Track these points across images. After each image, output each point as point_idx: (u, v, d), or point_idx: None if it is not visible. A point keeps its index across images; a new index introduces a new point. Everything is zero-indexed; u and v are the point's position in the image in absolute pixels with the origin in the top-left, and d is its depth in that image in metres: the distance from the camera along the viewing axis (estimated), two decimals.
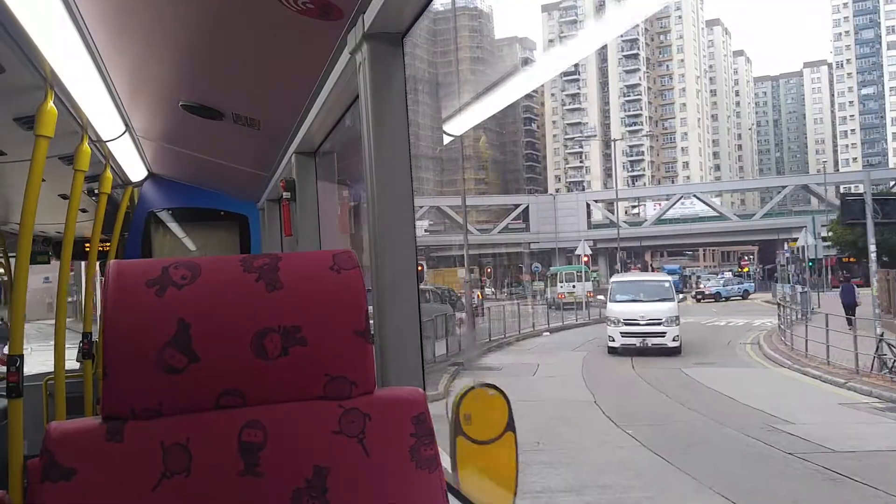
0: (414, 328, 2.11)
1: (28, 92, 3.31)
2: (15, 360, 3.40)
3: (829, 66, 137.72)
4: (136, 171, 5.75)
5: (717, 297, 55.91)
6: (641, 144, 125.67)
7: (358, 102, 2.39)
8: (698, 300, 55.81)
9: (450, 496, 1.37)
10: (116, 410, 1.21)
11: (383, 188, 2.17)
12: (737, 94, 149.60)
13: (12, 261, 7.99)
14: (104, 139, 4.36)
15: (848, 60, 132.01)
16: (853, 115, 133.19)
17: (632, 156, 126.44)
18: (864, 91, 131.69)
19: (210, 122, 3.87)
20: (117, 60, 3.24)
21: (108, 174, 5.08)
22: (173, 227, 6.85)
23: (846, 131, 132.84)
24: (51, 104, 3.30)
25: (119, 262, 1.26)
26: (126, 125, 4.31)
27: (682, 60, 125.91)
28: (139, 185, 6.30)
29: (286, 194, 4.28)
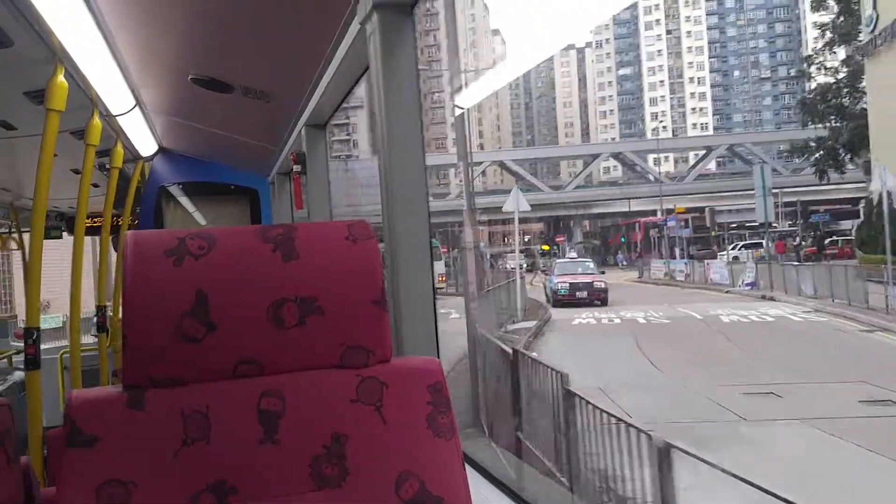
0: (428, 298, 2.12)
1: (37, 66, 3.31)
2: (32, 333, 3.44)
3: (580, 50, 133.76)
4: (146, 145, 5.75)
5: None
6: None
7: (368, 73, 2.38)
8: None
9: (466, 465, 1.38)
10: (137, 379, 1.23)
11: (396, 159, 2.17)
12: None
13: (26, 236, 8.04)
14: (114, 113, 4.36)
15: (607, 40, 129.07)
16: (612, 96, 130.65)
17: None
18: (622, 72, 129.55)
19: (220, 95, 3.86)
20: (126, 34, 3.23)
21: (119, 149, 5.09)
22: (184, 201, 6.87)
23: (605, 111, 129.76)
24: (60, 78, 3.30)
25: (136, 232, 1.27)
26: (136, 99, 4.31)
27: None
28: (150, 159, 6.31)
29: (297, 167, 4.28)
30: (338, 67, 2.82)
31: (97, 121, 4.15)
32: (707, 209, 55.65)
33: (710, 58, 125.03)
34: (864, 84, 44.70)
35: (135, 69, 3.83)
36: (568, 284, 28.59)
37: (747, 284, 30.92)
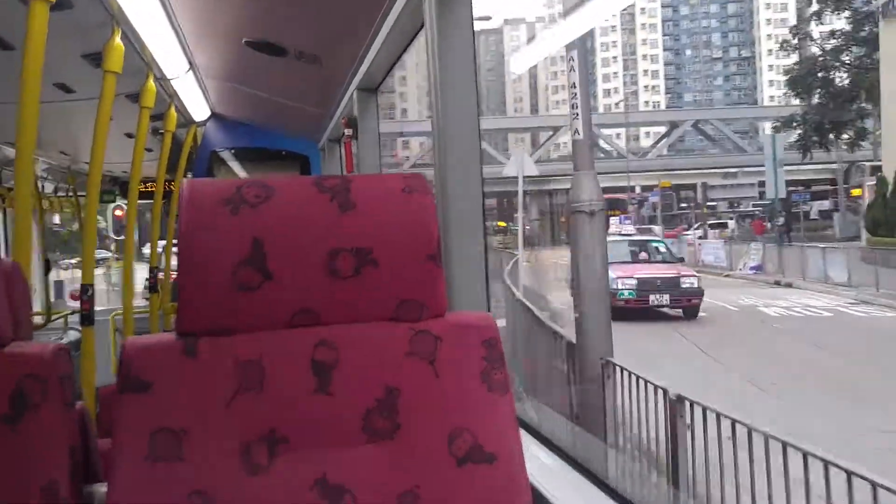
0: (479, 256, 2.10)
1: (95, 29, 3.35)
2: (87, 290, 3.52)
3: (530, 24, 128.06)
4: (199, 110, 5.81)
5: None
6: None
7: (422, 33, 2.35)
8: None
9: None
10: (191, 327, 1.23)
11: (450, 119, 2.14)
12: None
13: (81, 200, 8.22)
14: (168, 77, 4.40)
15: (560, 13, 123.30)
16: (563, 71, 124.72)
17: None
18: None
19: (273, 59, 3.87)
20: None
21: (173, 112, 5.15)
22: (235, 166, 6.94)
23: (556, 86, 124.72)
24: (118, 40, 3.34)
25: (193, 181, 1.27)
26: (190, 63, 4.34)
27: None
28: (202, 124, 6.37)
29: (348, 132, 4.28)
30: (392, 28, 2.80)
31: (152, 84, 4.19)
32: (700, 184, 53.29)
33: (663, 35, 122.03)
34: (846, 58, 42.68)
35: (189, 33, 3.85)
36: (636, 282, 18.35)
37: (752, 268, 27.55)
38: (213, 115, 6.31)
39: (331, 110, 4.96)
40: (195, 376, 1.22)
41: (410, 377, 1.26)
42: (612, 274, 19.11)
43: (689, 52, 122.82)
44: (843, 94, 42.59)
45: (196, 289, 1.22)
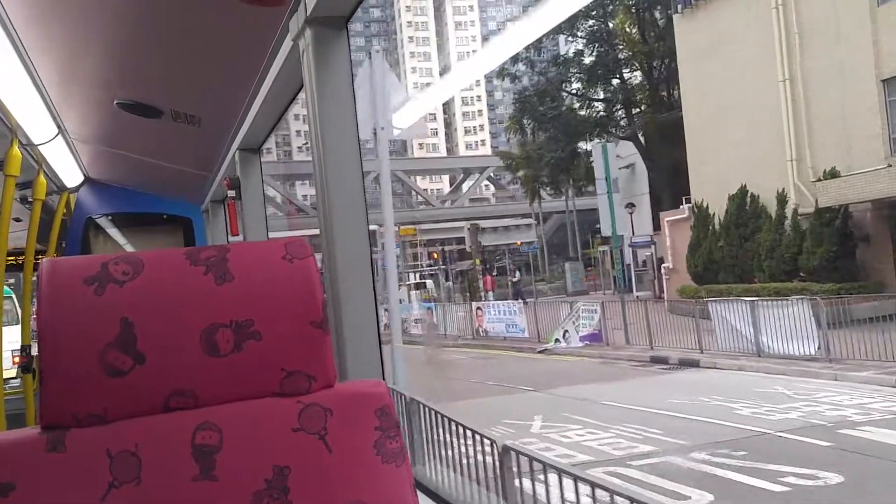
0: (371, 319, 2.04)
1: None
2: None
3: None
4: (71, 175, 5.55)
5: None
6: None
7: (302, 92, 2.32)
8: None
9: (417, 490, 1.31)
10: (57, 419, 1.13)
11: (333, 177, 2.10)
12: None
13: None
14: (35, 143, 4.19)
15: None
16: None
17: None
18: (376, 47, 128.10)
19: (148, 120, 3.74)
20: (46, 59, 3.10)
21: (42, 179, 4.90)
22: (114, 233, 6.65)
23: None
24: None
25: (53, 259, 1.17)
26: (59, 127, 4.14)
27: None
28: (75, 190, 6.09)
29: (231, 193, 4.17)
30: (271, 87, 2.75)
31: (17, 150, 3.97)
32: (469, 226, 43.93)
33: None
34: (568, 86, 39.55)
35: (56, 96, 3.68)
36: None
37: (585, 338, 19.70)
38: (88, 180, 6.04)
39: (213, 171, 4.83)
40: (63, 474, 1.11)
41: (300, 454, 1.19)
42: None
43: None
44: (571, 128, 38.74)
45: (60, 377, 1.12)
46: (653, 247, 33.51)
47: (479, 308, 24.18)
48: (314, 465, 1.19)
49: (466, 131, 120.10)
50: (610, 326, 19.68)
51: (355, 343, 2.02)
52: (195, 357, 1.15)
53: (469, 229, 40.54)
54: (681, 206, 29.79)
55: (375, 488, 1.21)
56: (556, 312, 21.47)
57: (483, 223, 42.11)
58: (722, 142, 26.13)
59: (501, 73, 43.71)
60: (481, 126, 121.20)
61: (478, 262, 40.74)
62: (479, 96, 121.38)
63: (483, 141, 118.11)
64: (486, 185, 75.81)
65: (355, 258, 2.07)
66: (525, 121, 41.28)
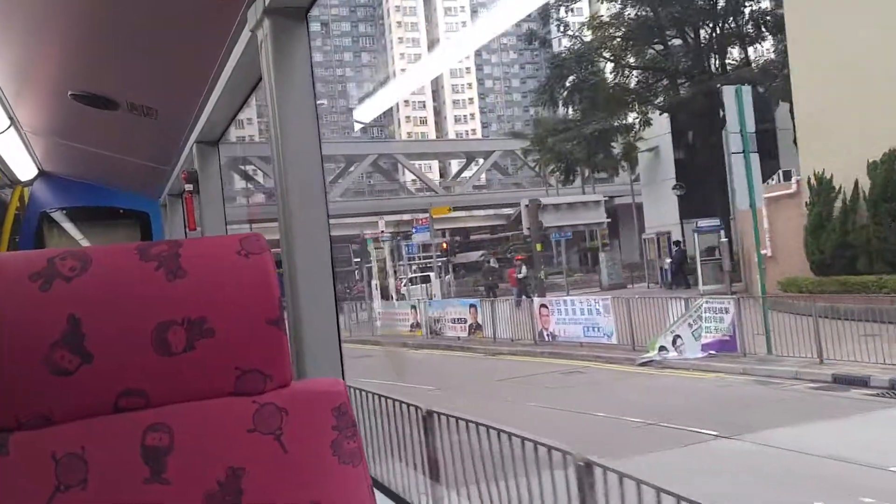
0: (331, 316, 2.01)
1: None
2: None
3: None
4: (25, 168, 5.42)
5: None
6: None
7: (261, 84, 2.27)
8: None
9: (375, 490, 1.29)
10: (0, 421, 1.09)
11: (293, 170, 2.06)
12: None
13: None
14: None
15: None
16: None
17: None
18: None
19: (103, 112, 3.65)
20: None
21: None
22: (69, 227, 6.50)
23: None
24: None
25: None
26: (11, 119, 4.04)
27: None
28: (29, 184, 5.95)
29: (188, 187, 4.10)
30: (229, 79, 2.69)
31: None
32: (527, 203, 35.55)
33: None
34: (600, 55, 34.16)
35: (8, 87, 3.58)
36: None
37: (710, 346, 14.68)
38: (42, 174, 5.90)
39: (171, 165, 4.74)
40: (6, 477, 1.07)
41: (255, 455, 1.16)
42: None
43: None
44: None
45: (3, 377, 1.08)
46: (721, 231, 28.12)
47: (542, 305, 19.40)
48: (269, 467, 1.16)
49: (457, 120, 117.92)
50: (747, 331, 14.46)
51: (315, 340, 1.99)
52: (146, 356, 1.12)
53: (527, 206, 33.07)
54: (782, 181, 23.31)
55: (332, 489, 1.19)
56: (656, 311, 16.25)
57: (545, 200, 35.47)
58: (857, 97, 18.97)
59: (530, 36, 39.57)
60: (472, 115, 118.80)
61: (539, 247, 33.67)
62: (469, 84, 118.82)
63: (474, 130, 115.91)
64: (490, 170, 74.37)
65: (315, 253, 2.04)
66: (557, 90, 36.05)
